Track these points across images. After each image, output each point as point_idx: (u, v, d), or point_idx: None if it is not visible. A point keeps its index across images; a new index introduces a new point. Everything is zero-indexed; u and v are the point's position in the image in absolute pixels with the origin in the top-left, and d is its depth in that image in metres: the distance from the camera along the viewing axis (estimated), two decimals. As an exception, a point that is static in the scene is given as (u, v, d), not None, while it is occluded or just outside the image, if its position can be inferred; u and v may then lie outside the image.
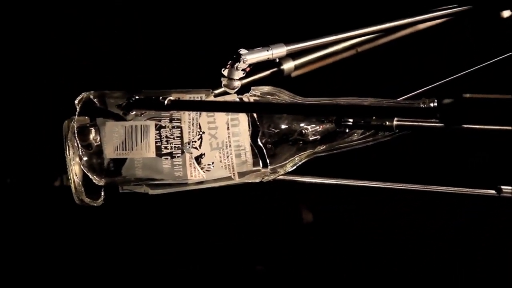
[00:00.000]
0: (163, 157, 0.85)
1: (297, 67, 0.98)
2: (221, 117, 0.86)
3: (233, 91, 0.86)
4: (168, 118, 0.85)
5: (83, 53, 1.02)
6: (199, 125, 0.85)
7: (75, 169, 0.86)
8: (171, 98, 0.84)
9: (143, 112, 0.86)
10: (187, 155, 0.85)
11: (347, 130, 0.86)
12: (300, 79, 0.99)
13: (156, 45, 1.03)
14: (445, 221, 1.00)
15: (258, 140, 0.86)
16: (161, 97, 0.84)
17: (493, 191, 0.88)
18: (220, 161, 0.86)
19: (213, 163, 0.86)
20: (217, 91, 0.89)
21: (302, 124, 0.87)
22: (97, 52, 1.02)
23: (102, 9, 1.02)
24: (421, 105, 0.81)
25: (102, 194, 0.88)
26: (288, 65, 0.97)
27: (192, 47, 1.00)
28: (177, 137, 0.85)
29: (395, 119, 0.83)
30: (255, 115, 0.86)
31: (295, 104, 0.78)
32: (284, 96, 0.88)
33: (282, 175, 0.89)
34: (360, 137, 0.87)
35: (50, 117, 1.01)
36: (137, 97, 0.86)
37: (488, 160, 0.99)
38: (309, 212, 1.02)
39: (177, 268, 1.00)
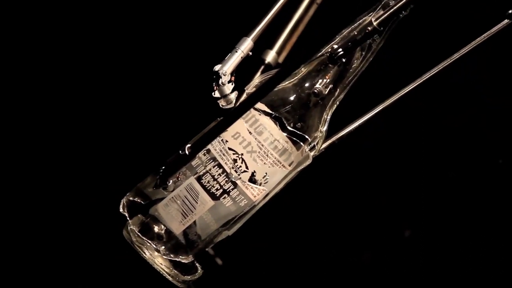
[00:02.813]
0: (221, 198, 0.86)
1: (279, 53, 0.98)
2: (246, 132, 0.86)
3: (233, 104, 0.87)
4: (201, 165, 0.86)
5: (83, 53, 1.03)
6: (233, 149, 0.86)
7: (159, 261, 0.87)
8: (188, 145, 0.84)
9: (178, 176, 0.87)
10: (239, 182, 0.86)
11: (344, 60, 0.85)
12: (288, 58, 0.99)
13: (156, 45, 1.04)
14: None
15: (286, 126, 0.86)
16: (180, 151, 0.85)
17: (505, 21, 0.86)
18: (267, 165, 0.86)
19: (266, 173, 0.86)
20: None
21: (307, 85, 0.87)
22: (97, 52, 1.03)
23: (102, 9, 1.04)
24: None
25: (197, 264, 0.89)
26: (270, 56, 0.97)
27: (192, 47, 1.01)
28: (220, 174, 0.86)
29: (373, 20, 0.83)
30: (266, 109, 0.86)
31: (283, 69, 0.79)
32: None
33: (324, 142, 0.89)
34: (361, 59, 0.86)
35: (50, 117, 1.02)
36: (163, 167, 0.87)
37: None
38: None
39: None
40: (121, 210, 0.88)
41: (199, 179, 0.86)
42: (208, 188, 0.86)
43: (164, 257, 0.87)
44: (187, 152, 0.84)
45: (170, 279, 0.87)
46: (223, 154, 0.86)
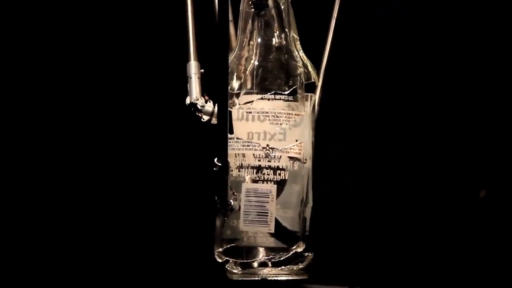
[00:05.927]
0: (276, 176, 0.87)
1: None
2: (252, 123, 0.88)
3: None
4: (241, 169, 0.88)
5: (83, 53, 1.02)
6: (261, 145, 0.87)
7: (271, 270, 0.87)
8: (216, 158, 0.85)
9: (233, 193, 0.87)
10: (284, 155, 0.87)
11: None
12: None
13: (156, 45, 1.04)
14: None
15: (280, 93, 0.88)
16: (214, 168, 0.85)
17: None
18: (284, 125, 0.88)
19: (296, 139, 0.88)
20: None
21: (267, 48, 0.90)
22: (97, 52, 1.02)
23: (102, 9, 1.03)
24: None
25: (306, 254, 0.89)
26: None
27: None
28: (260, 162, 0.87)
29: None
30: (255, 97, 0.88)
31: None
32: None
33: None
34: None
35: (49, 118, 1.00)
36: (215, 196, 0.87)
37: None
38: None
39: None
40: (219, 261, 0.88)
41: (249, 180, 0.87)
42: (261, 179, 0.87)
43: (278, 263, 0.87)
44: (219, 164, 0.84)
45: (288, 277, 0.87)
46: (248, 145, 0.87)
